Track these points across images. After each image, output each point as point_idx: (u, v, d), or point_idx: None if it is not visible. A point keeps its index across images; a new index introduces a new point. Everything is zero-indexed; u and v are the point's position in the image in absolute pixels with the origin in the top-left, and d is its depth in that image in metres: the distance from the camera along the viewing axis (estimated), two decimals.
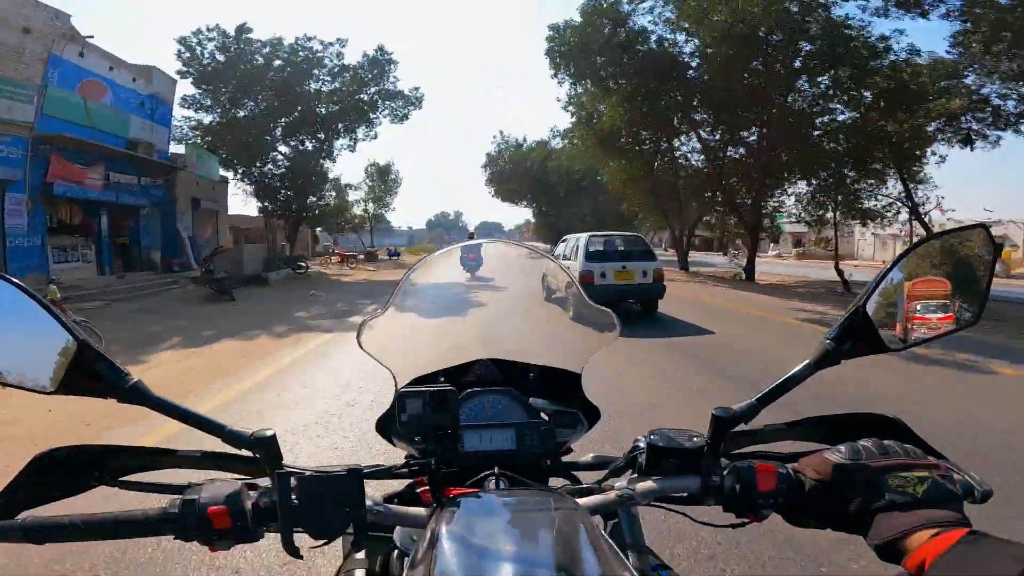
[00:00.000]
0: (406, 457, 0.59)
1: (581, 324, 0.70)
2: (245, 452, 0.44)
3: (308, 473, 0.41)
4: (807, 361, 0.47)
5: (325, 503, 0.41)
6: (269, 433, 0.42)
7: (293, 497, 0.40)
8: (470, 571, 0.34)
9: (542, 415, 0.62)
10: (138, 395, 0.42)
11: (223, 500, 0.40)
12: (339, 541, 0.48)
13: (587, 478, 0.56)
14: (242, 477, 0.46)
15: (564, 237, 8.10)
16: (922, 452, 0.42)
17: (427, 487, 0.51)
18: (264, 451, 0.42)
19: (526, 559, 0.35)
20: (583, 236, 6.63)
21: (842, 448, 0.41)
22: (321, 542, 0.41)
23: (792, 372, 0.46)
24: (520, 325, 0.82)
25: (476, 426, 0.58)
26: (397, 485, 0.57)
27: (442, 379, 0.63)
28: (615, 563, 0.36)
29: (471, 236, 15.09)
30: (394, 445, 0.61)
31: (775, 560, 1.54)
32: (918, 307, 0.49)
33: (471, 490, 0.47)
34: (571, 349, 0.69)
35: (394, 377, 0.60)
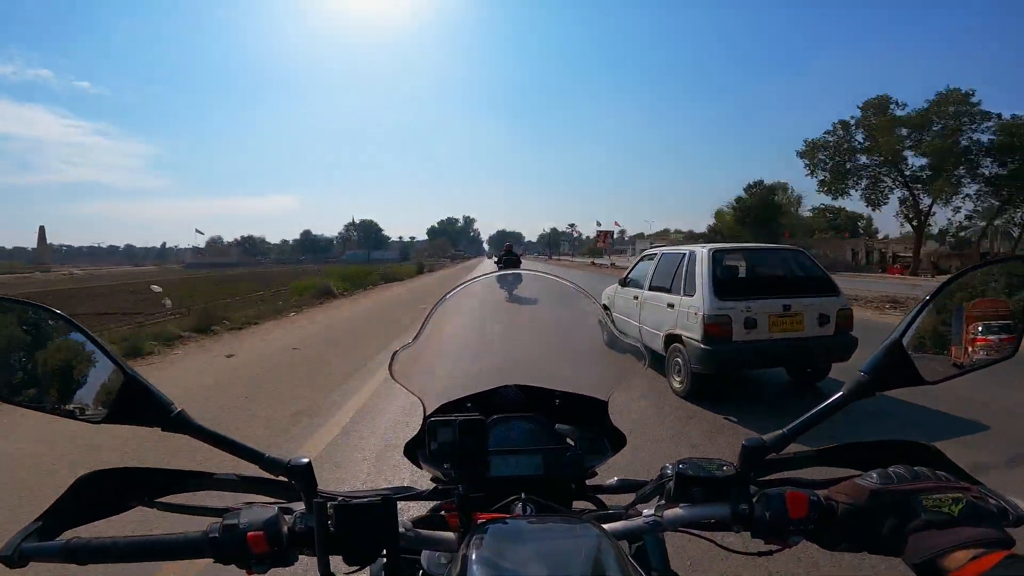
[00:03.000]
0: (433, 480, 0.74)
1: (608, 353, 0.85)
2: (280, 477, 0.56)
3: (342, 500, 0.51)
4: (841, 393, 0.56)
5: (360, 529, 0.50)
6: (304, 461, 0.54)
7: (329, 523, 0.50)
8: None
9: (568, 441, 0.76)
10: (182, 424, 0.54)
11: (261, 525, 0.49)
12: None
13: (611, 501, 0.71)
14: (277, 501, 0.57)
15: (647, 251, 6.17)
16: (954, 477, 0.49)
17: (455, 511, 0.64)
18: (300, 478, 0.54)
19: None
20: (701, 251, 4.61)
21: (874, 475, 0.49)
22: (355, 568, 0.51)
23: (824, 404, 0.56)
24: (547, 351, 0.97)
25: (503, 451, 0.69)
26: (424, 508, 0.72)
27: (469, 405, 0.78)
28: None
29: (508, 249, 15.05)
30: (421, 468, 0.75)
31: None
32: (980, 328, 0.57)
33: (500, 515, 0.57)
34: (597, 376, 0.84)
35: (423, 404, 0.76)
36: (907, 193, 29.31)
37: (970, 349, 0.57)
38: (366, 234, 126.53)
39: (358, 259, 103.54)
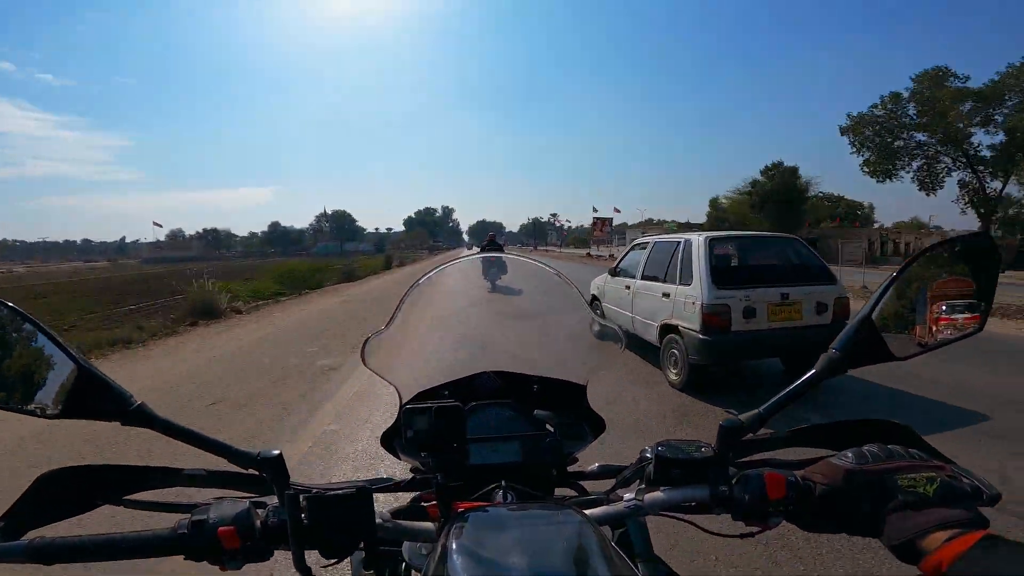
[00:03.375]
0: (412, 471, 0.74)
1: (586, 337, 0.86)
2: (251, 471, 0.56)
3: (316, 492, 0.52)
4: (813, 371, 0.58)
5: (335, 522, 0.51)
6: (275, 452, 0.54)
7: (303, 516, 0.50)
8: None
9: (547, 427, 0.76)
10: (142, 417, 0.53)
11: (232, 520, 0.49)
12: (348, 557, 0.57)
13: (593, 487, 0.73)
14: (248, 495, 0.58)
15: (639, 240, 6.11)
16: (928, 456, 0.51)
17: (434, 501, 0.66)
18: (271, 470, 0.54)
19: (538, 572, 0.43)
20: (698, 239, 4.60)
21: (849, 454, 0.51)
22: (332, 561, 0.52)
23: (797, 383, 0.58)
24: (524, 337, 0.97)
25: (482, 439, 0.70)
26: (403, 499, 0.72)
27: (446, 392, 0.79)
28: (626, 574, 0.45)
29: (490, 239, 15.23)
30: (399, 459, 0.75)
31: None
32: (943, 307, 0.59)
33: (480, 504, 0.56)
34: (576, 361, 0.86)
35: (399, 392, 0.76)
36: (971, 175, 26.00)
37: (945, 333, 0.60)
38: (339, 225, 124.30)
39: (330, 252, 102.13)
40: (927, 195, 28.17)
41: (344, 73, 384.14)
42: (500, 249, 16.43)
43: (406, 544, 0.68)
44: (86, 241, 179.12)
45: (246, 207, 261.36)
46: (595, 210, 51.86)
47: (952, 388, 4.40)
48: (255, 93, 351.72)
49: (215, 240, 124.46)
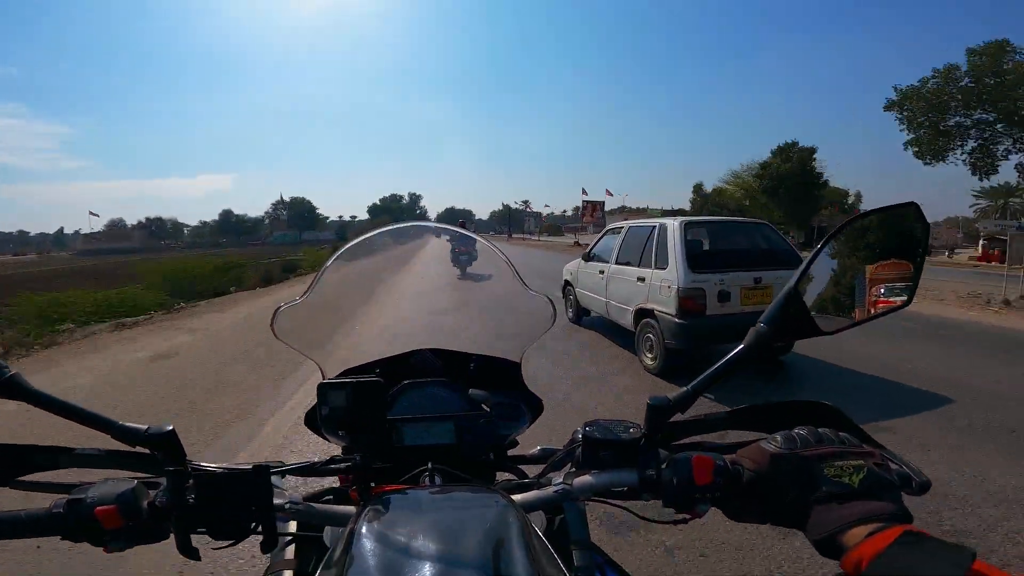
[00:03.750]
0: (343, 452, 0.72)
1: (518, 312, 0.85)
2: (139, 448, 0.54)
3: (209, 469, 0.51)
4: (741, 346, 0.58)
5: (226, 502, 0.49)
6: (168, 428, 0.53)
7: (190, 496, 0.49)
8: (387, 572, 0.40)
9: (483, 407, 0.76)
10: (15, 389, 0.51)
11: (113, 499, 0.47)
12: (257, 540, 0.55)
13: (534, 471, 0.70)
14: (145, 476, 0.55)
15: (612, 225, 6.26)
16: (858, 440, 0.52)
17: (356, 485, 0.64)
18: (162, 447, 0.52)
19: (450, 558, 0.41)
20: (672, 223, 4.74)
21: (778, 437, 0.51)
22: (225, 543, 0.51)
23: (726, 358, 0.58)
24: (460, 313, 0.99)
25: (413, 419, 0.71)
26: (328, 482, 0.72)
27: (377, 371, 0.78)
28: (547, 562, 0.44)
29: (460, 226, 14.17)
30: (327, 440, 0.72)
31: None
32: (882, 290, 0.61)
33: (399, 487, 0.56)
34: (511, 337, 0.85)
35: (321, 369, 0.76)
36: None
37: (872, 308, 0.61)
38: (297, 213, 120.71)
39: (286, 241, 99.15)
40: (980, 179, 25.81)
41: (307, 58, 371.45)
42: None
43: (327, 529, 0.68)
44: (22, 232, 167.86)
45: (204, 195, 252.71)
46: (584, 192, 45.36)
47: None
48: (212, 79, 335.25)
49: (159, 230, 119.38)
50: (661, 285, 4.60)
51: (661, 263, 4.68)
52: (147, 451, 0.54)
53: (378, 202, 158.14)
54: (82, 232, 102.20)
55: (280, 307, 0.73)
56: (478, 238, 0.92)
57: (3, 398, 0.51)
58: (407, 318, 0.97)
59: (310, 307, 0.76)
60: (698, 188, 50.21)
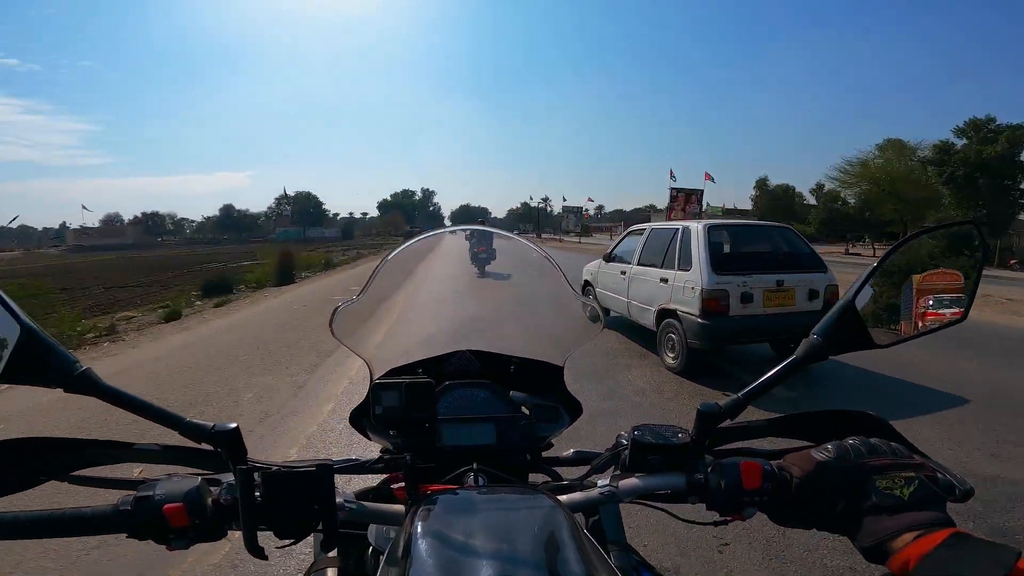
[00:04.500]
0: (381, 451, 0.79)
1: (565, 316, 0.94)
2: (207, 446, 0.57)
3: (272, 468, 0.54)
4: (793, 357, 0.63)
5: (292, 500, 0.53)
6: (232, 426, 0.56)
7: (257, 494, 0.53)
8: (447, 571, 0.44)
9: (523, 409, 0.84)
10: (88, 384, 0.55)
11: (180, 497, 0.51)
12: (309, 539, 0.58)
13: (567, 474, 0.77)
14: (204, 472, 0.61)
15: (635, 226, 6.82)
16: (907, 451, 0.56)
17: (402, 483, 0.67)
18: (226, 445, 0.55)
19: (506, 558, 0.45)
20: (697, 226, 5.24)
21: (829, 447, 0.56)
22: (288, 542, 0.55)
23: (778, 368, 0.63)
24: (503, 316, 1.12)
25: (455, 420, 0.77)
26: (371, 481, 0.77)
27: (420, 371, 0.84)
28: (597, 562, 0.48)
29: (481, 224, 14.90)
30: (369, 439, 0.81)
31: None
32: (931, 301, 0.66)
33: (448, 487, 0.61)
34: (553, 342, 0.93)
35: (369, 368, 0.83)
36: None
37: (928, 321, 0.65)
38: (302, 209, 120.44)
39: (290, 238, 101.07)
40: None
41: (323, 57, 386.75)
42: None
43: (372, 527, 0.72)
44: (24, 227, 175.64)
45: (220, 191, 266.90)
46: (673, 177, 33.05)
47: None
48: (230, 76, 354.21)
49: (157, 225, 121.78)
50: (685, 286, 5.11)
51: (685, 264, 5.19)
52: (209, 448, 0.57)
53: (388, 198, 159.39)
54: (71, 227, 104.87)
55: (338, 307, 0.79)
56: (532, 244, 1.01)
57: (76, 393, 0.54)
58: (447, 318, 1.04)
59: (363, 307, 0.83)
60: (762, 184, 47.33)
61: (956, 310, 0.67)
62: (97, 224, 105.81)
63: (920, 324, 0.67)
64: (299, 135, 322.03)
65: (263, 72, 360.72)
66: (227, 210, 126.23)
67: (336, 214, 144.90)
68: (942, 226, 0.70)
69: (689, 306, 5.03)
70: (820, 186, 42.23)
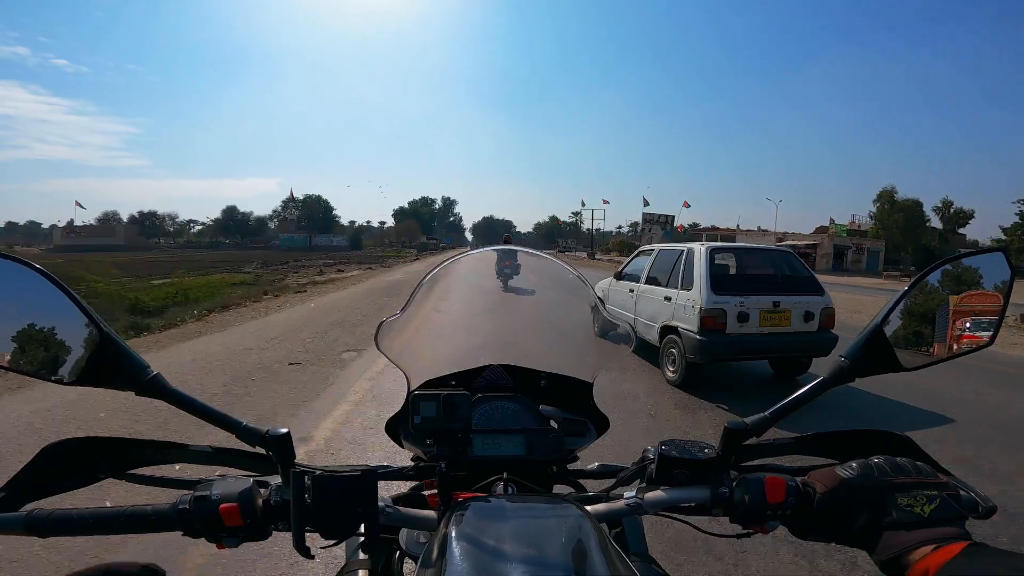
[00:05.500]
0: (414, 459, 0.89)
1: (596, 335, 1.04)
2: (257, 449, 0.67)
3: (321, 472, 0.64)
4: (821, 378, 0.72)
5: (338, 503, 0.62)
6: (283, 431, 0.66)
7: (306, 496, 0.62)
8: (481, 574, 0.52)
9: (552, 422, 0.95)
10: (156, 388, 0.65)
11: (235, 497, 0.61)
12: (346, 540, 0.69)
13: (592, 486, 0.87)
14: (252, 474, 0.70)
15: (643, 247, 7.96)
16: (932, 470, 0.64)
17: (435, 490, 0.75)
18: (277, 449, 0.66)
19: (536, 563, 0.53)
20: (699, 248, 6.27)
21: (854, 464, 0.64)
22: (332, 542, 0.64)
23: (805, 389, 0.72)
24: (534, 332, 1.20)
25: (486, 431, 0.88)
26: (404, 486, 0.87)
27: (453, 383, 0.96)
28: (624, 571, 0.55)
29: (506, 241, 16.67)
30: (402, 447, 0.91)
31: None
32: (968, 324, 0.73)
33: (480, 495, 0.71)
34: (584, 359, 1.03)
35: (407, 379, 0.93)
36: None
37: (955, 346, 0.74)
38: (310, 213, 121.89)
39: (295, 245, 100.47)
40: None
41: (356, 67, 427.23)
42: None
43: (403, 531, 0.85)
44: (31, 223, 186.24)
45: (252, 197, 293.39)
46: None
47: None
48: (267, 83, 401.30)
49: (153, 226, 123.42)
50: (686, 304, 6.10)
51: (687, 284, 6.19)
52: (258, 451, 0.68)
53: (406, 205, 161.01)
54: (59, 225, 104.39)
55: (384, 320, 0.93)
56: (561, 262, 1.14)
57: (146, 396, 0.66)
58: (481, 332, 1.16)
59: (405, 321, 0.97)
60: (887, 196, 44.58)
61: (985, 333, 0.75)
62: (92, 222, 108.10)
63: (950, 348, 0.74)
64: (327, 143, 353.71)
65: (299, 83, 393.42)
66: (230, 213, 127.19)
67: (352, 221, 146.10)
68: (971, 252, 0.77)
69: (689, 323, 6.02)
70: (947, 203, 41.14)
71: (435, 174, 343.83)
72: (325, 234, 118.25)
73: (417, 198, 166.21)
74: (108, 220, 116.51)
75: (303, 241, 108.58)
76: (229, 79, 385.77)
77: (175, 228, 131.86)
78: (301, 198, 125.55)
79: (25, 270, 0.63)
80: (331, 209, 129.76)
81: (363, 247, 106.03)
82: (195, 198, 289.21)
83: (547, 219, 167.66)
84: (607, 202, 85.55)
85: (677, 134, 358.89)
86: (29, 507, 0.61)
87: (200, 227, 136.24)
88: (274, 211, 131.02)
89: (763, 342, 5.99)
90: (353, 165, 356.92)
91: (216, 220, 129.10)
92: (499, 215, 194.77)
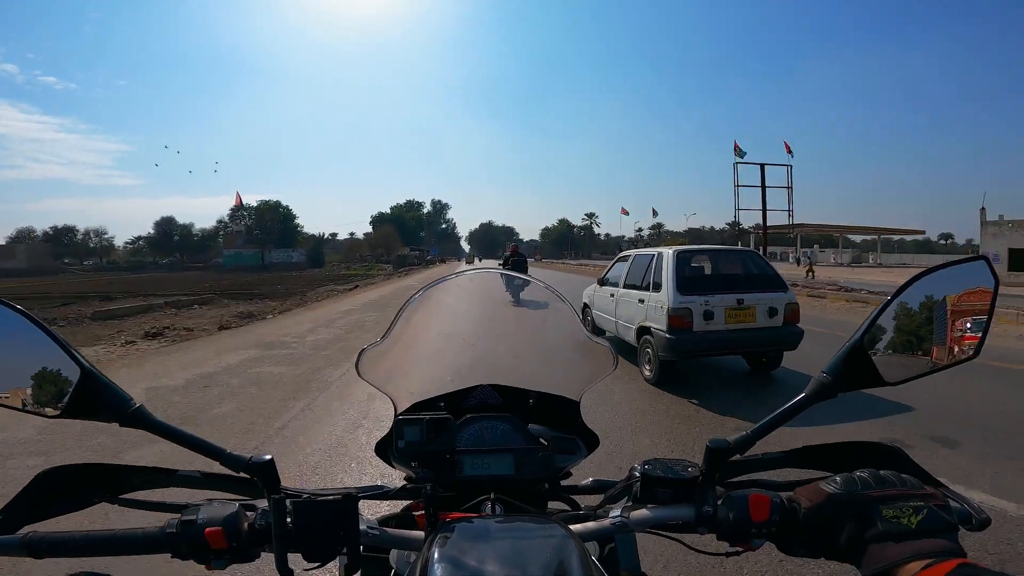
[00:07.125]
0: (404, 479, 1.13)
1: (580, 354, 1.32)
2: (242, 474, 0.86)
3: (304, 497, 0.81)
4: (803, 394, 0.89)
5: (320, 526, 0.79)
6: (267, 457, 0.84)
7: (288, 520, 0.79)
8: None
9: (541, 441, 1.16)
10: (140, 420, 0.83)
11: (220, 521, 0.77)
12: (335, 562, 0.86)
13: (586, 501, 1.07)
14: (240, 498, 0.89)
15: (623, 252, 9.85)
16: (919, 482, 0.77)
17: (423, 511, 0.91)
18: (261, 474, 0.83)
19: None
20: (667, 252, 8.04)
21: (838, 479, 0.77)
22: (314, 565, 0.81)
23: (787, 405, 0.88)
24: (521, 352, 1.49)
25: (475, 451, 1.10)
26: (394, 507, 1.12)
27: (441, 404, 1.21)
28: None
29: (513, 251, 18.44)
30: (393, 467, 1.17)
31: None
32: (968, 324, 0.87)
33: (466, 515, 0.90)
34: (570, 377, 1.31)
35: (393, 403, 1.19)
36: None
37: (938, 359, 0.86)
38: (264, 224, 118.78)
39: (243, 263, 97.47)
40: None
41: (345, 75, 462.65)
42: (524, 266, 18.18)
43: (394, 552, 1.03)
44: None
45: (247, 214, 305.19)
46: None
47: None
48: (258, 99, 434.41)
49: (68, 244, 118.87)
50: (656, 305, 7.84)
51: (657, 286, 7.95)
52: (246, 476, 0.85)
53: (388, 210, 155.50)
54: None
55: (364, 349, 1.14)
56: (542, 283, 1.40)
57: (130, 427, 0.82)
58: (467, 353, 1.41)
59: (387, 347, 1.20)
60: None
61: (969, 345, 0.86)
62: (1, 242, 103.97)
63: (933, 361, 0.86)
64: (320, 155, 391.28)
65: (287, 96, 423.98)
66: (165, 225, 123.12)
67: (329, 233, 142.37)
68: (951, 263, 0.87)
69: (659, 323, 7.73)
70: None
71: (427, 182, 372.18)
72: (284, 248, 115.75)
73: (402, 202, 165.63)
74: (22, 238, 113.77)
75: (254, 258, 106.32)
76: (226, 92, 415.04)
77: (100, 246, 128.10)
78: (254, 205, 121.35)
79: (4, 310, 0.80)
80: (292, 217, 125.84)
81: (325, 263, 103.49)
82: (194, 215, 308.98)
83: (556, 223, 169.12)
84: (626, 212, 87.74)
85: (676, 135, 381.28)
86: (26, 530, 0.78)
87: (108, 243, 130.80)
88: (219, 221, 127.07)
89: (729, 338, 7.69)
90: (349, 177, 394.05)
91: (148, 236, 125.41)
92: (498, 222, 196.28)
